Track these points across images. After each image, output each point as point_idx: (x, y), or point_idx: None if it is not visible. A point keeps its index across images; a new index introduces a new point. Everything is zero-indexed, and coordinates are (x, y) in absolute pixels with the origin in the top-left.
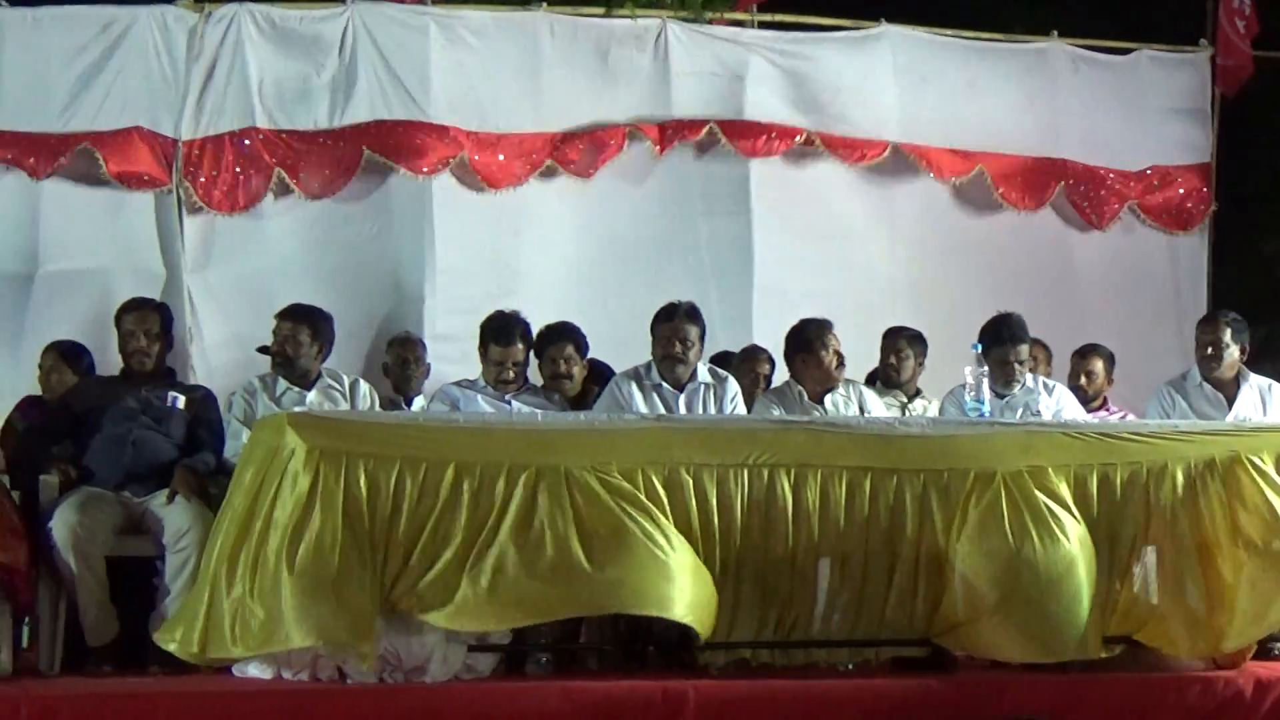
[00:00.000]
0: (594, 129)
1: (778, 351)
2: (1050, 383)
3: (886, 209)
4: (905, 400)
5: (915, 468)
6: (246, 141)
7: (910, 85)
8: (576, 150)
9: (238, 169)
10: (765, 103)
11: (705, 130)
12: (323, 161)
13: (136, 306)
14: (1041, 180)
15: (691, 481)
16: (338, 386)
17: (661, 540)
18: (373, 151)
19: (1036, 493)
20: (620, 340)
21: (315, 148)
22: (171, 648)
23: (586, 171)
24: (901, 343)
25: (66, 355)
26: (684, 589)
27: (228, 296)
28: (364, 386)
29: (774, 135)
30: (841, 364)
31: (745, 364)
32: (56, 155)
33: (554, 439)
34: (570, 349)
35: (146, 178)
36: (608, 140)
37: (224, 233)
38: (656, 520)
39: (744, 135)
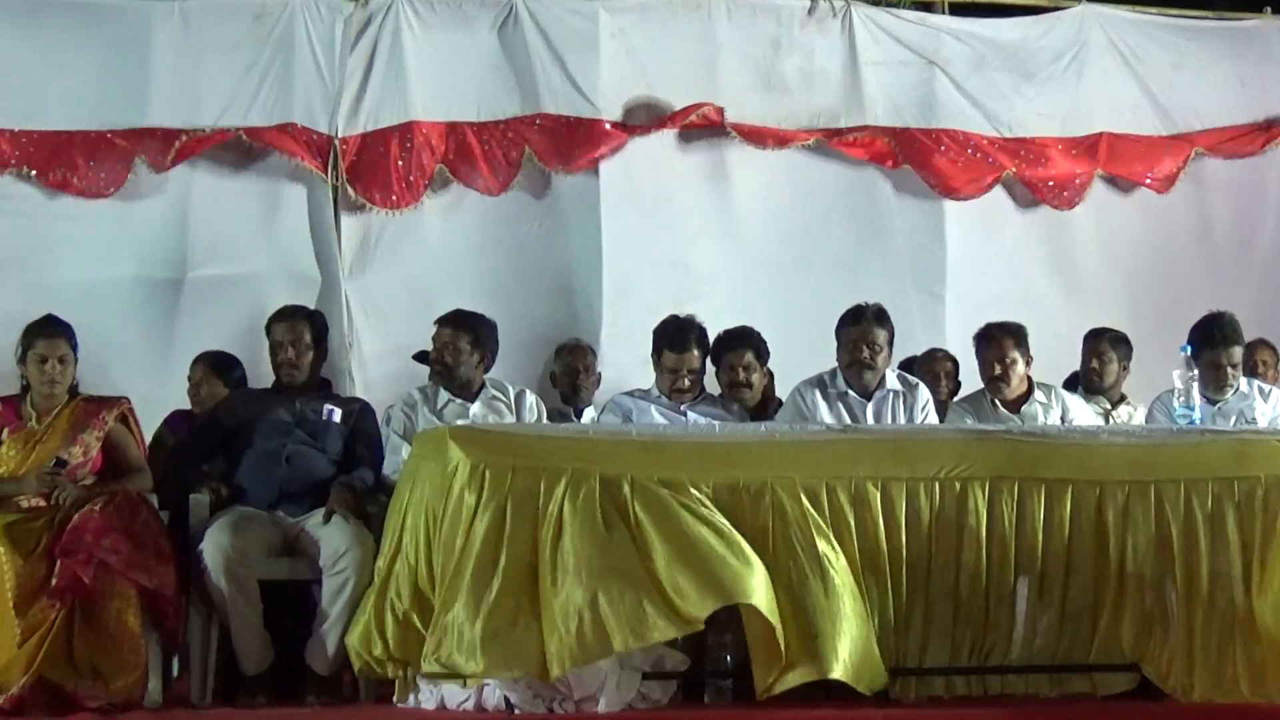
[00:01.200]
0: (774, 122)
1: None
2: (1266, 387)
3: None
4: (1109, 407)
5: (1119, 479)
6: (407, 137)
7: (1112, 68)
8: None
9: (398, 166)
10: (957, 96)
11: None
12: (487, 157)
13: (286, 316)
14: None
15: (879, 496)
16: (502, 397)
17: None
18: (534, 151)
19: (1253, 506)
20: (809, 346)
21: (478, 143)
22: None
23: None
24: (1104, 345)
25: (216, 366)
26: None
27: (388, 303)
28: (530, 397)
29: (966, 145)
30: (1005, 374)
31: (924, 366)
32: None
33: (732, 452)
34: (749, 355)
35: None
36: (789, 136)
37: (384, 235)
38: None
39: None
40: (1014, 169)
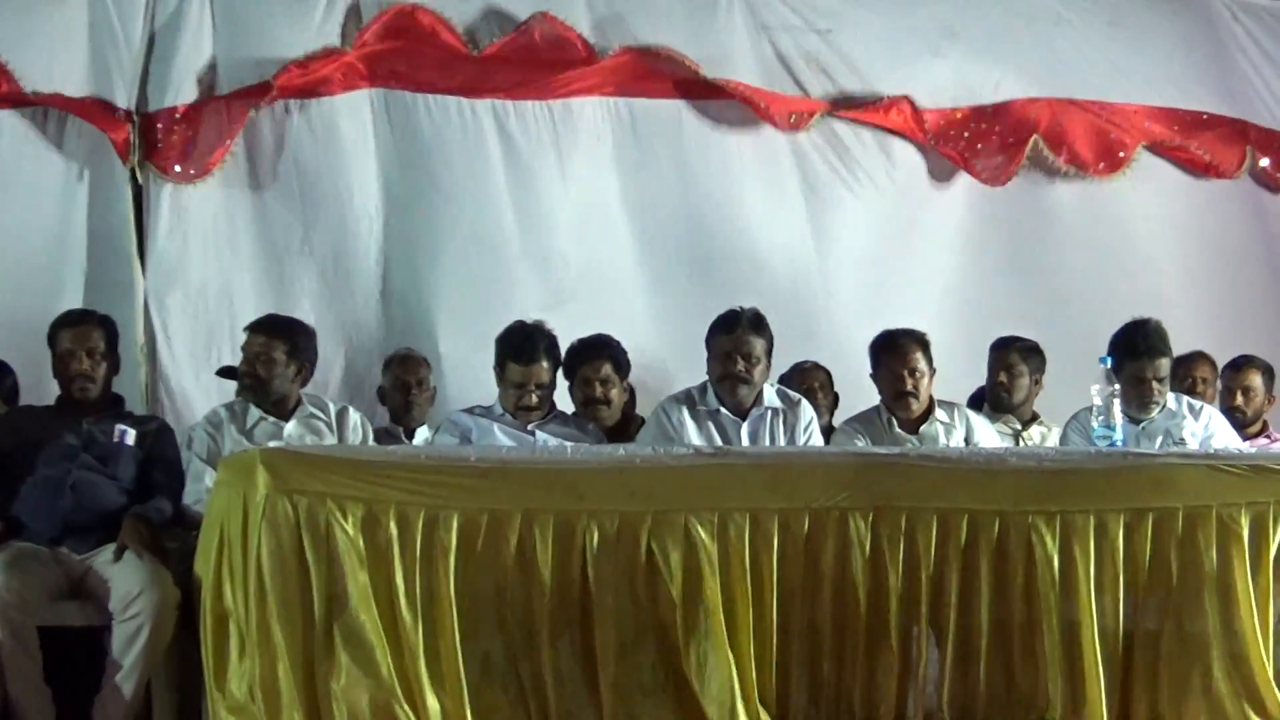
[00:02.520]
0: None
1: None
2: (1197, 404)
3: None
4: (1019, 427)
5: (1023, 508)
6: (219, 111)
7: (1040, 30)
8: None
9: (211, 145)
10: (858, 64)
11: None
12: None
13: (74, 321)
14: (1225, 146)
15: (747, 530)
16: (322, 416)
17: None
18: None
19: (1167, 540)
20: (680, 357)
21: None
22: None
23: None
24: (1013, 356)
25: None
26: None
27: (200, 305)
28: (354, 415)
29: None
30: (915, 387)
31: (795, 379)
32: None
33: (586, 478)
34: (607, 368)
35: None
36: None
37: (195, 225)
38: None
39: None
40: (931, 142)
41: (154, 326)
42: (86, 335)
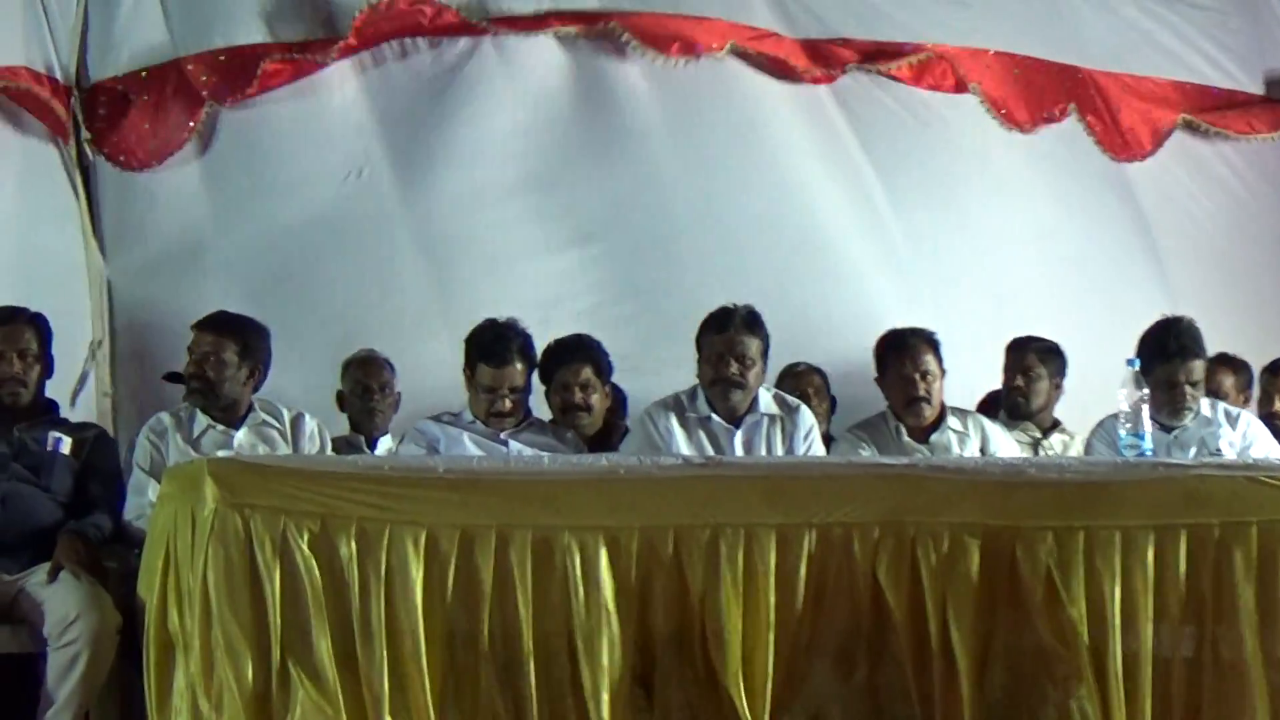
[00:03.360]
0: None
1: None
2: (1234, 410)
3: (1013, 158)
4: (1038, 435)
5: (1041, 524)
6: (170, 78)
7: None
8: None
9: (161, 116)
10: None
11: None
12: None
13: (4, 319)
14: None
15: (742, 547)
16: (275, 423)
17: None
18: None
19: (1201, 559)
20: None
21: (255, 78)
22: None
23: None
24: (1031, 358)
25: None
26: None
27: (157, 297)
28: (310, 423)
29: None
30: (929, 392)
31: (786, 384)
32: None
33: (565, 492)
34: (588, 371)
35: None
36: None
37: (146, 205)
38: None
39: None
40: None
41: (111, 320)
42: (17, 335)
